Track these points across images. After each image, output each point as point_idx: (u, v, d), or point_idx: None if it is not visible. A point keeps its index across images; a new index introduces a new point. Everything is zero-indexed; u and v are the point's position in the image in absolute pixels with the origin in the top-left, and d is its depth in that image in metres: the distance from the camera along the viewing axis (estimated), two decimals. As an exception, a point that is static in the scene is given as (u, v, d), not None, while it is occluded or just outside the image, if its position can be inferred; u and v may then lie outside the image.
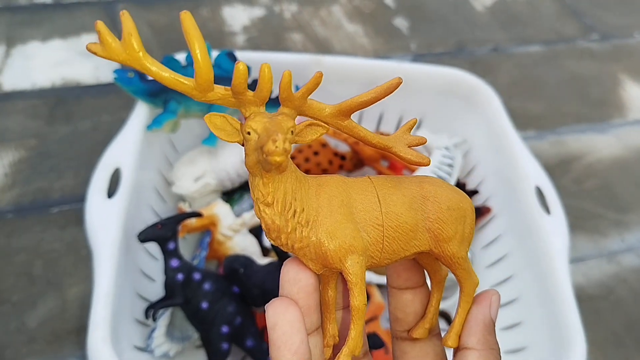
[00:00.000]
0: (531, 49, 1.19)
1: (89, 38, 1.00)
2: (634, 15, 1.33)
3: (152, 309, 0.56)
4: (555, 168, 0.96)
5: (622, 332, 0.77)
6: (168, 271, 0.56)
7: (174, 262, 0.56)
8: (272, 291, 0.58)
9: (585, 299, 0.58)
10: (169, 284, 0.56)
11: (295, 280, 0.29)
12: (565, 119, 1.06)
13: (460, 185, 0.74)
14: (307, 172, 0.75)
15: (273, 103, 0.71)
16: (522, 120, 0.96)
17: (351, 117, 0.29)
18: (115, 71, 0.63)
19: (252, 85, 0.71)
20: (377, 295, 0.66)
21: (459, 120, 0.78)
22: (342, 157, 0.77)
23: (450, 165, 0.71)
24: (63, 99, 0.90)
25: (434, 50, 1.13)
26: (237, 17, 1.11)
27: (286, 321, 0.27)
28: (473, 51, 1.15)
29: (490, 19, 1.23)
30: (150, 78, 0.64)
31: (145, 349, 0.57)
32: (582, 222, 0.88)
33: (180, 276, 0.56)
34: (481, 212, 0.72)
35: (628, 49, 1.24)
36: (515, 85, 1.09)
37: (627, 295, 0.81)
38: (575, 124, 1.05)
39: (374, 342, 0.59)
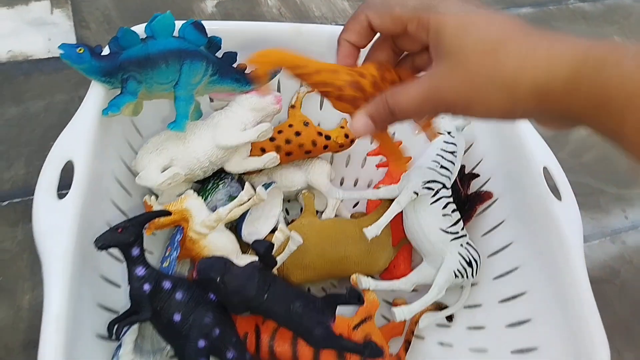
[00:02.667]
0: (522, 11, 1.12)
1: (39, 6, 0.90)
2: (626, -27, 1.26)
3: (116, 325, 0.48)
4: (552, 141, 0.89)
5: (630, 318, 0.72)
6: (133, 281, 0.49)
7: (140, 271, 0.49)
8: (254, 297, 0.51)
9: (590, 283, 0.53)
10: (135, 296, 0.49)
11: None
12: (561, 86, 0.99)
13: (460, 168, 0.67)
14: (288, 154, 0.67)
15: (247, 78, 0.63)
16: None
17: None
18: (61, 46, 0.53)
19: (225, 58, 0.67)
20: (370, 293, 0.60)
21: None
22: (327, 137, 0.69)
23: (452, 153, 0.64)
24: (10, 76, 0.80)
25: (420, 13, 1.04)
26: (204, -20, 1.01)
27: None
28: (461, 14, 1.07)
29: (478, -21, 1.15)
30: (103, 53, 0.56)
31: (110, 369, 0.50)
32: (583, 198, 0.82)
33: (147, 287, 0.48)
34: (481, 197, 0.66)
35: (622, 9, 1.18)
36: (506, 50, 1.02)
37: (634, 278, 0.76)
38: (571, 91, 0.99)
39: (371, 350, 0.53)
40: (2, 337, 0.58)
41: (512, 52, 0.33)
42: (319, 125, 0.72)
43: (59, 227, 0.47)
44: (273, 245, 0.51)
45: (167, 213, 0.53)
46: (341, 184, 0.78)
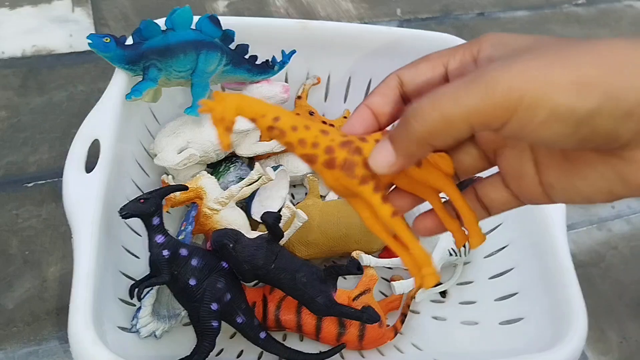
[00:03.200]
0: (517, 14, 1.17)
1: (61, 4, 0.95)
2: (620, -21, 1.31)
3: (137, 288, 0.53)
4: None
5: (613, 299, 0.77)
6: (153, 248, 0.53)
7: (159, 238, 0.53)
8: (262, 266, 0.56)
9: (576, 266, 0.58)
10: (155, 261, 0.53)
11: None
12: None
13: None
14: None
15: (258, 69, 0.68)
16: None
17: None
18: (90, 36, 0.59)
19: (238, 49, 0.67)
20: (370, 268, 0.64)
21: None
22: (331, 126, 0.74)
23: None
24: (35, 69, 0.85)
25: (420, 15, 1.10)
26: (216, -18, 1.06)
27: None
28: (459, 16, 1.12)
29: (477, -17, 1.20)
30: (128, 43, 0.61)
31: (130, 330, 0.55)
32: (573, 189, 0.87)
33: (166, 252, 0.53)
34: (473, 181, 0.70)
35: (615, 13, 1.23)
36: (503, 50, 1.07)
37: (618, 262, 0.80)
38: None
39: (369, 315, 0.57)
40: (29, 305, 0.63)
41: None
42: (323, 115, 0.77)
43: (87, 196, 0.52)
44: (281, 216, 0.55)
45: (184, 188, 0.58)
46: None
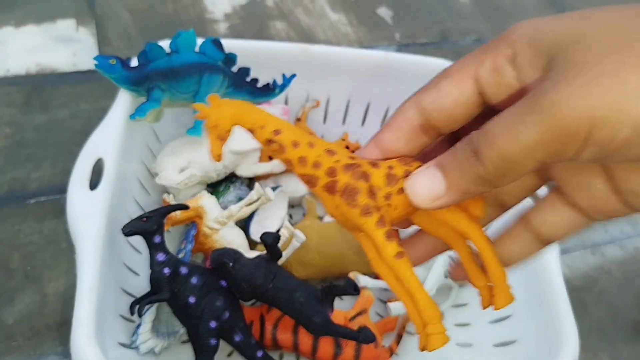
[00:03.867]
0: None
1: (65, 23, 0.97)
2: (614, 8, 1.34)
3: (138, 305, 0.54)
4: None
5: (607, 323, 0.78)
6: (154, 265, 0.54)
7: (160, 256, 0.54)
8: (260, 285, 0.56)
9: (570, 291, 0.59)
10: (155, 279, 0.54)
11: None
12: (549, 110, 1.06)
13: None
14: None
15: (259, 92, 0.70)
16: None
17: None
18: (96, 57, 0.60)
19: (239, 72, 0.67)
20: (366, 289, 0.65)
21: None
22: (329, 148, 0.76)
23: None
24: (39, 87, 0.87)
25: (418, 40, 1.12)
26: (218, 4, 1.08)
27: None
28: (457, 41, 1.14)
29: (474, 10, 1.23)
30: (133, 65, 0.62)
31: (130, 346, 0.55)
32: (566, 213, 0.88)
33: (166, 270, 0.54)
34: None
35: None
36: (498, 76, 1.09)
37: (611, 287, 0.81)
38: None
39: (365, 335, 0.58)
40: (30, 320, 0.64)
41: None
42: (322, 137, 0.79)
43: (91, 213, 0.53)
44: (280, 236, 0.57)
45: (185, 207, 0.59)
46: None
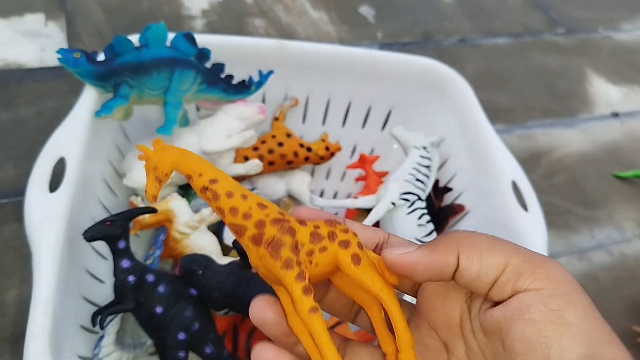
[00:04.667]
0: (498, 41, 1.17)
1: (34, 18, 0.92)
2: (598, 10, 1.33)
3: (100, 315, 0.50)
4: (525, 163, 0.93)
5: (594, 331, 0.75)
6: (118, 273, 0.51)
7: (125, 263, 0.51)
8: (233, 293, 0.53)
9: None
10: (119, 287, 0.51)
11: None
12: (534, 112, 1.04)
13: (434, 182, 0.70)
14: (270, 163, 0.70)
15: (234, 89, 0.66)
16: (489, 114, 0.94)
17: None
18: (59, 51, 0.56)
19: (213, 68, 0.64)
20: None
21: (429, 111, 0.75)
22: (309, 149, 0.72)
23: (428, 167, 0.67)
24: (3, 83, 0.82)
25: (401, 39, 1.09)
26: (195, 0, 1.04)
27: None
28: (440, 41, 1.12)
29: (457, 10, 1.21)
30: (99, 59, 0.58)
31: (92, 359, 0.51)
32: (552, 218, 0.86)
33: (131, 278, 0.50)
34: (454, 210, 0.69)
35: (593, 43, 1.23)
36: (482, 77, 1.07)
37: (599, 294, 0.79)
38: (543, 117, 1.04)
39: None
40: (-15, 331, 0.60)
41: None
42: (301, 137, 0.75)
43: (50, 217, 0.49)
44: (254, 242, 0.53)
45: (153, 210, 0.55)
46: (321, 195, 0.81)
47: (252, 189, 0.65)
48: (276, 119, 0.73)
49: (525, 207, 0.61)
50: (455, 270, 0.27)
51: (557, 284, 0.26)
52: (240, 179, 0.70)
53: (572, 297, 0.26)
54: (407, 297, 0.34)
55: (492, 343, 0.27)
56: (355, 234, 0.30)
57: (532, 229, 0.59)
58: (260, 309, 0.29)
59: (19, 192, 0.70)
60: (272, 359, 0.28)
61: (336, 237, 0.29)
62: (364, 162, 0.75)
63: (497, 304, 0.27)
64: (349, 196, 0.81)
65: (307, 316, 0.27)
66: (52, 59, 0.86)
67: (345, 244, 0.29)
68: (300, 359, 0.29)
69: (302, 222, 0.29)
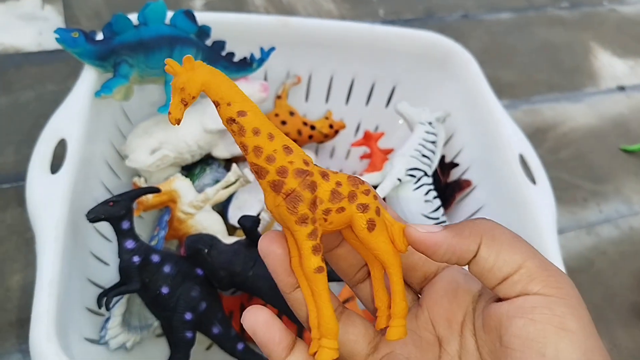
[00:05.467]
0: (501, 16, 1.15)
1: (30, 1, 0.91)
2: (602, -17, 1.31)
3: (106, 297, 0.49)
4: (531, 138, 0.92)
5: (603, 305, 0.75)
6: (123, 253, 0.50)
7: (129, 244, 0.50)
8: (240, 273, 0.52)
9: (566, 272, 0.56)
10: (124, 268, 0.50)
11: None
12: (538, 87, 1.03)
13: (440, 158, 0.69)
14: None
15: (235, 66, 0.65)
16: (494, 89, 0.93)
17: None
18: (57, 30, 0.55)
19: (214, 46, 0.62)
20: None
21: (434, 86, 0.73)
22: (312, 127, 0.71)
23: (433, 143, 0.66)
24: (1, 68, 0.81)
25: (403, 16, 1.08)
26: (193, -20, 1.03)
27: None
28: (443, 18, 1.10)
29: (459, -15, 1.19)
30: (98, 38, 0.57)
31: (99, 341, 0.51)
32: (560, 193, 0.85)
33: (136, 259, 0.50)
34: (460, 185, 0.68)
35: (598, 17, 1.22)
36: (486, 52, 1.05)
37: (607, 268, 0.78)
38: (549, 92, 1.02)
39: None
40: (-9, 316, 0.59)
41: None
42: (304, 115, 0.74)
43: (52, 198, 0.48)
44: (260, 220, 0.52)
45: (156, 190, 0.54)
46: (325, 175, 0.80)
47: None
48: (279, 97, 0.72)
49: (533, 181, 0.61)
50: (473, 258, 0.28)
51: (565, 295, 0.26)
52: (243, 158, 0.69)
53: (576, 309, 0.26)
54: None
55: (490, 339, 0.28)
56: (375, 197, 0.29)
57: (541, 202, 0.58)
58: (269, 241, 0.29)
59: (20, 176, 0.70)
60: (265, 320, 0.28)
61: (356, 198, 0.28)
62: (368, 139, 0.74)
63: (499, 300, 0.28)
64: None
65: (312, 275, 0.27)
66: (50, 43, 0.85)
67: (363, 208, 0.28)
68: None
69: (325, 175, 0.28)
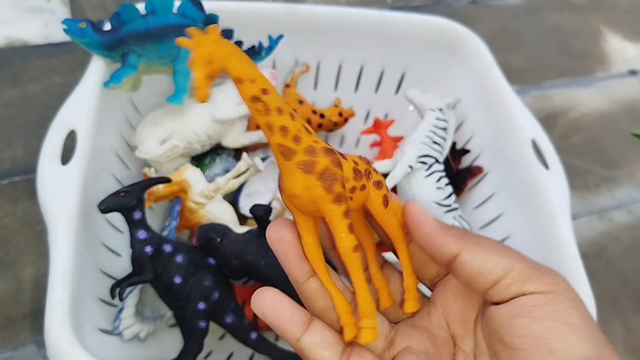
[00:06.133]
0: (510, 1, 1.14)
1: (36, -6, 0.91)
2: (611, -34, 1.29)
3: (118, 287, 0.49)
4: (541, 124, 0.91)
5: (617, 291, 0.74)
6: (135, 244, 0.50)
7: (141, 234, 0.50)
8: (252, 262, 0.52)
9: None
10: (137, 258, 0.50)
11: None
12: (549, 72, 1.02)
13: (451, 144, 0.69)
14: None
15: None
16: (504, 75, 0.92)
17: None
18: (65, 21, 0.55)
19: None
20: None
21: (444, 72, 0.73)
22: (322, 115, 0.71)
23: (444, 129, 0.66)
24: (8, 61, 0.81)
25: (411, 3, 1.07)
26: (198, -30, 1.02)
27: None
28: (451, 4, 1.09)
29: (467, -30, 1.18)
30: (105, 28, 0.57)
31: (113, 332, 0.51)
32: (571, 178, 0.83)
33: (148, 249, 0.50)
34: (472, 172, 0.67)
35: (608, 1, 1.20)
36: (495, 38, 1.04)
37: (620, 254, 0.78)
38: (559, 77, 1.01)
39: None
40: (4, 308, 0.59)
41: None
42: (313, 104, 0.74)
43: (63, 189, 0.48)
44: (272, 209, 0.52)
45: (167, 180, 0.54)
46: (335, 164, 0.80)
47: (266, 158, 0.64)
48: (287, 85, 0.72)
49: (546, 166, 0.60)
50: (453, 262, 0.28)
51: (561, 290, 0.27)
52: (252, 147, 0.69)
53: (575, 302, 0.26)
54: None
55: (491, 341, 0.28)
56: (382, 175, 0.30)
57: (554, 186, 0.58)
58: (278, 227, 0.28)
59: (30, 169, 0.70)
60: (272, 298, 0.29)
61: (371, 175, 0.28)
62: (378, 126, 0.73)
63: (495, 304, 0.28)
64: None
65: (350, 254, 0.26)
66: (56, 35, 0.85)
67: (378, 184, 0.28)
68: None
69: (342, 154, 0.27)
